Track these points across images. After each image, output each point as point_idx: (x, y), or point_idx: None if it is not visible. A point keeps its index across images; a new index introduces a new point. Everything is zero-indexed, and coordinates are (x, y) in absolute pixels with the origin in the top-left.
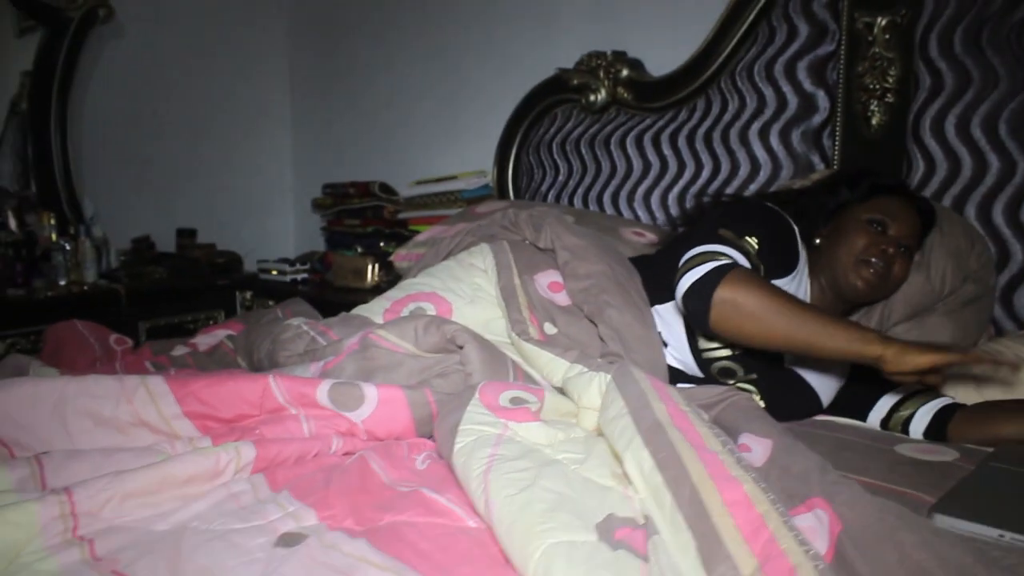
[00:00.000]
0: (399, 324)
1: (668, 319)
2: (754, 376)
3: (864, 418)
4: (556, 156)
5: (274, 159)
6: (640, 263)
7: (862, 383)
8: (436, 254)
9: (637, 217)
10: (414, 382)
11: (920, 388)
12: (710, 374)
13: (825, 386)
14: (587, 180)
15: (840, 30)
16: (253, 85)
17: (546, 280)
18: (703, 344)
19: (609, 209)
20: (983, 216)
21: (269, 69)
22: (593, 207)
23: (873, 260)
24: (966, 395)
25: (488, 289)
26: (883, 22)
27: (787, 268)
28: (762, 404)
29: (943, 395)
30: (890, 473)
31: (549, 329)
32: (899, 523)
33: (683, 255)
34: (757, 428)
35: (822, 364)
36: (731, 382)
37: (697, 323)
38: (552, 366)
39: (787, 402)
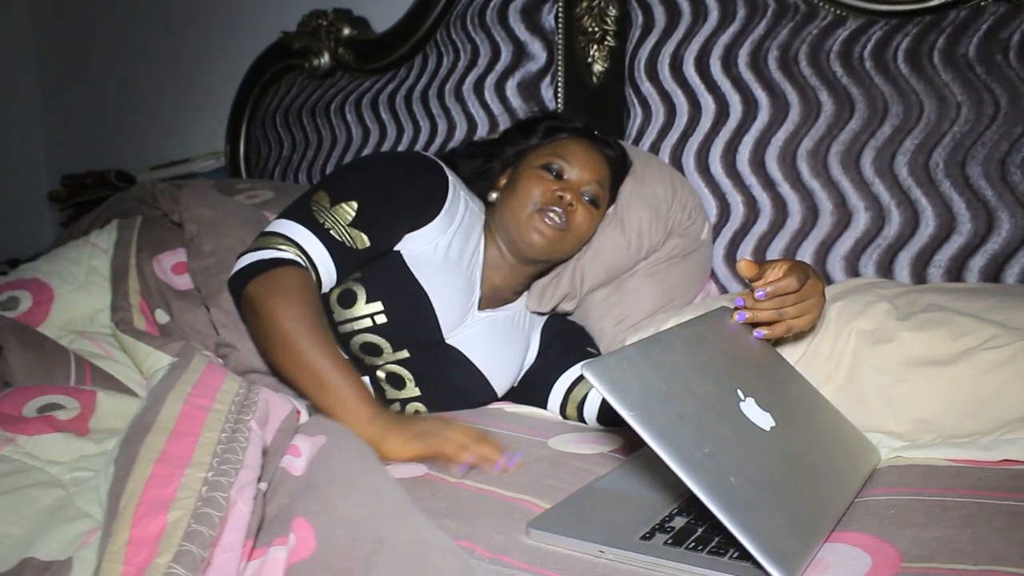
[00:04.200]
0: None
1: None
2: (405, 355)
3: (544, 404)
4: (280, 129)
5: (18, 150)
6: None
7: (543, 360)
8: (72, 233)
9: None
10: None
11: None
12: (352, 353)
13: (498, 368)
14: (310, 153)
15: None
16: None
17: (172, 261)
18: (339, 315)
19: None
20: (701, 165)
21: (11, 55)
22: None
23: (549, 210)
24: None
25: (104, 272)
26: None
27: (417, 220)
28: (417, 391)
29: None
30: (520, 476)
31: (161, 317)
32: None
33: None
34: (328, 422)
35: (492, 338)
36: (379, 362)
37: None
38: (152, 361)
39: (449, 388)
